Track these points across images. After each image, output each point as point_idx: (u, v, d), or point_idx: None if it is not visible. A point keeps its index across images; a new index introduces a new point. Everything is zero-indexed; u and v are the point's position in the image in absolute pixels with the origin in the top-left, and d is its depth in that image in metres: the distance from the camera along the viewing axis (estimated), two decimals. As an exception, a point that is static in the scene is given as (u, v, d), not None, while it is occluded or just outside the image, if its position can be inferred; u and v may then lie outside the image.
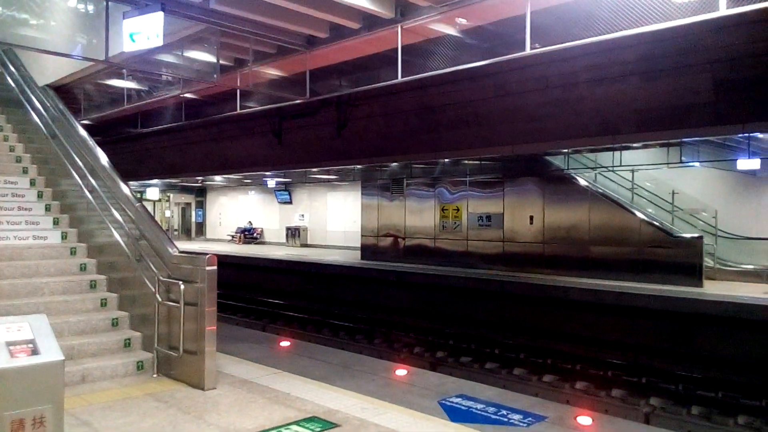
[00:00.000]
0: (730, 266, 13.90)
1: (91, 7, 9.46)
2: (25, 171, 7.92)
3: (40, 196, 7.57)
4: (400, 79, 8.43)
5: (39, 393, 2.38)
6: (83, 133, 7.65)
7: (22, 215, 6.99)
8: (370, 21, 8.41)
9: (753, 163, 13.13)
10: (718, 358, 10.35)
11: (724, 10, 5.78)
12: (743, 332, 10.26)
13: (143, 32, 7.15)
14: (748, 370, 9.74)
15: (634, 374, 9.56)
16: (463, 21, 8.33)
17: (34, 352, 2.46)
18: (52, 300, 5.92)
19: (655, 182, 15.56)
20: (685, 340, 10.94)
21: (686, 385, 9.05)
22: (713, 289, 12.00)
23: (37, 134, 8.43)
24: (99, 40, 8.40)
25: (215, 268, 5.21)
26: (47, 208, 7.39)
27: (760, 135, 12.11)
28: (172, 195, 31.55)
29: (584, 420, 4.59)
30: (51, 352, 2.47)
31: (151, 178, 25.23)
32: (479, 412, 4.72)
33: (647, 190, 15.53)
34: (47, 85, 9.66)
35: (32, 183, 7.73)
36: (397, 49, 8.24)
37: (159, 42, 7.09)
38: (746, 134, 11.28)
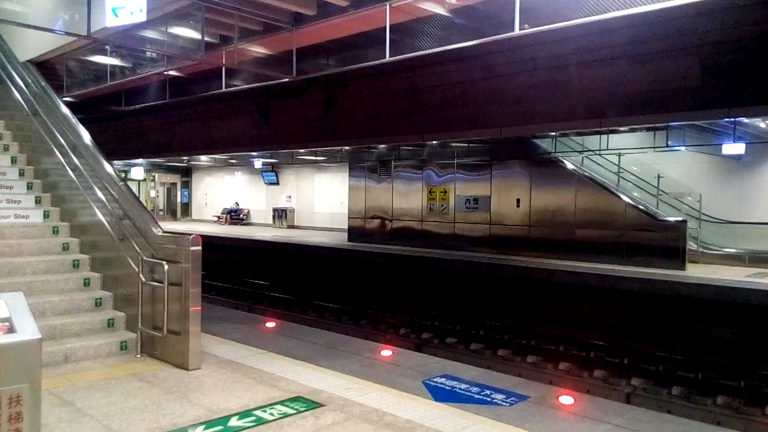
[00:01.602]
0: (713, 250, 14.06)
1: (72, -19, 9.25)
2: (6, 148, 7.77)
3: (21, 174, 7.44)
4: (388, 58, 8.36)
5: (15, 372, 2.35)
6: (65, 110, 7.51)
7: (3, 193, 6.86)
8: (358, -1, 8.31)
9: (738, 148, 13.24)
10: (699, 339, 10.52)
11: (713, -7, 5.77)
12: (724, 315, 10.42)
13: (126, 7, 7.02)
14: (728, 351, 9.91)
15: (616, 355, 9.69)
16: (452, 0, 8.26)
17: (10, 330, 2.42)
18: (35, 279, 5.85)
19: (641, 166, 15.65)
20: (667, 322, 11.10)
21: (667, 366, 9.20)
22: (696, 273, 12.15)
23: (19, 111, 8.27)
24: (81, 15, 8.23)
25: (199, 248, 5.16)
26: (29, 187, 7.27)
27: (745, 120, 12.19)
28: (157, 175, 31.24)
29: (566, 400, 4.65)
30: (27, 330, 2.43)
31: (136, 158, 24.94)
32: (463, 391, 4.76)
33: (633, 174, 15.62)
34: (29, 61, 9.46)
35: (13, 161, 7.60)
36: (385, 28, 8.16)
37: (142, 17, 6.97)
38: (732, 119, 11.35)
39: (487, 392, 4.75)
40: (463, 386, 4.89)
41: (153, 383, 4.66)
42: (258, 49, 10.63)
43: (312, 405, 4.24)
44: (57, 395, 4.30)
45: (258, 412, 4.07)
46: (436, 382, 4.99)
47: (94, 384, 4.59)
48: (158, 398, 4.33)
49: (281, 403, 4.27)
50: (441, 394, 4.68)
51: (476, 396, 4.67)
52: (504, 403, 4.51)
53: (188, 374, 4.92)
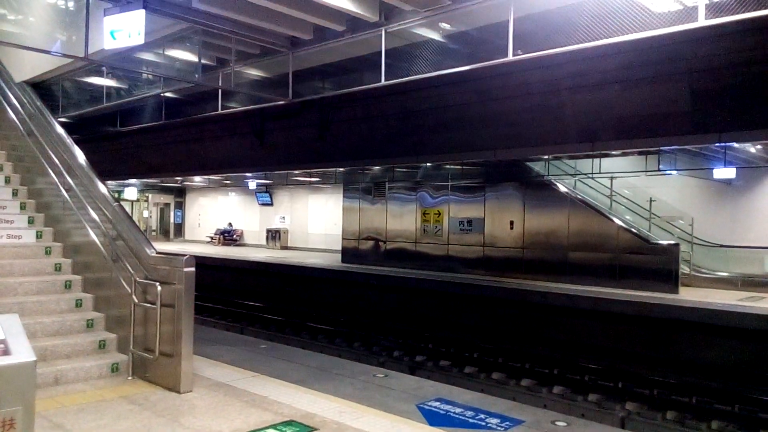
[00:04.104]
0: (705, 273, 14.11)
1: (71, 4, 9.35)
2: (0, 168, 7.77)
3: (14, 194, 7.42)
4: (383, 82, 8.45)
5: (9, 394, 2.32)
6: (60, 130, 7.52)
7: (-5, 213, 6.85)
8: (354, 24, 8.42)
9: (729, 172, 13.39)
10: (692, 363, 10.50)
11: (702, 21, 5.90)
12: (717, 338, 10.42)
13: (125, 30, 7.08)
14: (721, 375, 9.90)
15: (610, 379, 9.65)
16: (446, 26, 8.39)
17: (5, 352, 2.41)
18: (26, 300, 5.81)
19: (633, 189, 15.77)
20: (660, 345, 11.08)
21: (661, 390, 9.16)
22: (688, 296, 12.17)
23: (13, 131, 8.27)
24: (79, 37, 8.29)
25: (193, 269, 5.15)
26: (22, 207, 7.25)
27: (735, 144, 12.35)
28: (150, 195, 31.17)
29: (561, 424, 4.62)
30: (22, 352, 2.42)
31: (130, 178, 24.92)
32: (457, 415, 4.73)
33: (625, 197, 15.72)
34: (24, 81, 9.50)
35: (7, 180, 7.58)
36: (380, 52, 8.26)
37: (140, 40, 7.03)
38: (722, 144, 11.48)
39: (482, 416, 4.72)
40: (458, 410, 4.86)
41: (144, 406, 4.61)
42: (254, 72, 10.72)
43: (305, 429, 4.20)
44: (47, 418, 4.25)
45: (250, 436, 4.03)
46: (430, 405, 4.95)
47: (84, 407, 4.54)
48: (149, 422, 4.28)
49: (273, 426, 4.23)
50: (435, 419, 4.64)
51: (471, 420, 4.64)
52: (499, 428, 4.48)
53: (180, 397, 4.87)
